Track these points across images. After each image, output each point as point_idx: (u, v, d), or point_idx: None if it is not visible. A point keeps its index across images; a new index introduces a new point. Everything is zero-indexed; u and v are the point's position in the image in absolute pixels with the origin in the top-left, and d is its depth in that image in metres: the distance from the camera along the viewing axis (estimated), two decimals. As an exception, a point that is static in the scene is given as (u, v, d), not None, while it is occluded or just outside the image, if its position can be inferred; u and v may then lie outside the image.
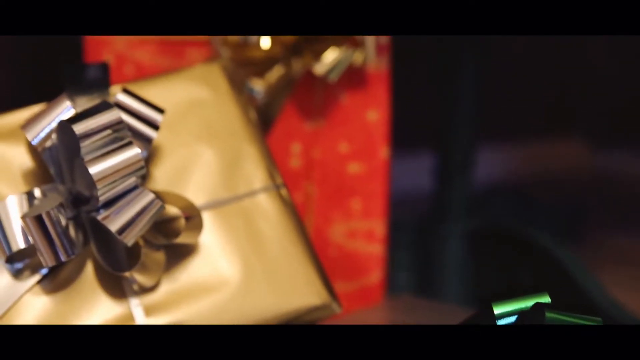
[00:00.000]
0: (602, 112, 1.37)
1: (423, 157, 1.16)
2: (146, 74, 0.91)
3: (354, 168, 0.93)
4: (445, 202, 1.07)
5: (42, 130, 0.70)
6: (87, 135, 0.67)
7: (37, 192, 0.71)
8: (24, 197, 0.70)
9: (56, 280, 0.71)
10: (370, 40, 0.89)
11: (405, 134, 1.02)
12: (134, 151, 0.67)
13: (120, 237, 0.67)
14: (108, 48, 0.91)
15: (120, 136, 0.68)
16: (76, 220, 0.70)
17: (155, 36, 0.91)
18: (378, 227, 0.93)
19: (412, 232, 1.07)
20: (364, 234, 0.93)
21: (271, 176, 0.76)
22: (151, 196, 0.68)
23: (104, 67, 0.75)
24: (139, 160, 0.67)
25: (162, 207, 0.68)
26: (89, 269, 0.71)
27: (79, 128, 0.67)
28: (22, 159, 0.72)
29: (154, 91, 0.76)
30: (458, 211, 1.07)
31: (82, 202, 0.70)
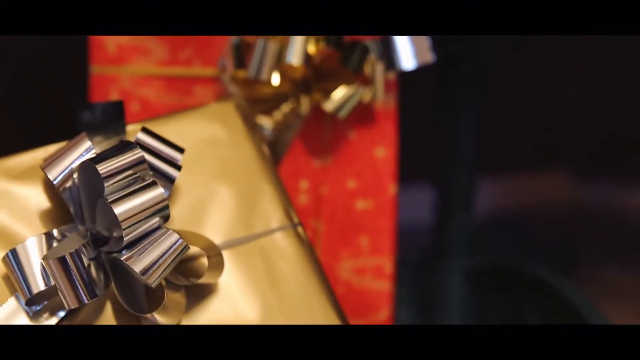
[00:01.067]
0: (590, 146, 1.38)
1: (424, 192, 1.16)
2: (152, 112, 0.91)
3: (362, 205, 0.93)
4: (447, 237, 1.07)
5: (63, 170, 0.69)
6: (111, 175, 0.67)
7: (55, 233, 0.70)
8: (44, 238, 0.69)
9: (75, 322, 0.70)
10: (379, 77, 0.89)
11: (408, 170, 1.02)
12: (158, 191, 0.67)
13: (144, 278, 0.66)
14: (113, 85, 0.91)
15: (143, 176, 0.68)
16: (97, 261, 0.69)
17: (161, 73, 0.91)
18: (386, 263, 0.93)
19: (415, 268, 1.07)
20: (372, 270, 0.93)
21: (288, 215, 0.76)
22: (175, 236, 0.67)
23: (119, 106, 0.74)
24: (163, 200, 0.67)
25: (186, 248, 0.67)
26: (108, 310, 0.70)
27: (102, 168, 0.66)
28: (38, 199, 0.72)
29: (168, 130, 0.76)
30: (459, 246, 1.08)
31: (102, 243, 0.69)
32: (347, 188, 0.92)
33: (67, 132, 0.80)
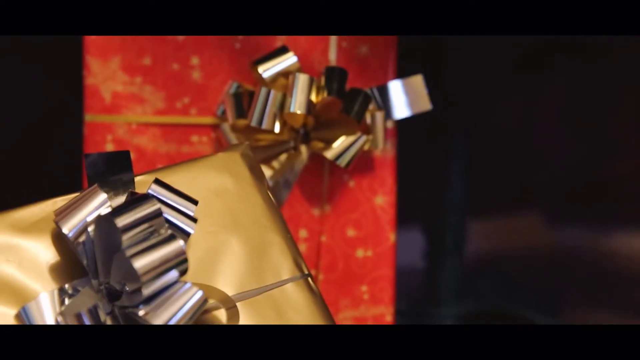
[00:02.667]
0: (565, 189, 1.39)
1: (420, 239, 1.16)
2: (148, 160, 0.90)
3: (362, 253, 0.92)
4: (439, 284, 1.07)
5: (78, 223, 0.67)
6: (128, 228, 0.65)
7: (67, 287, 0.68)
8: (56, 293, 0.67)
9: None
10: (379, 125, 0.88)
11: (405, 218, 1.02)
12: (177, 244, 0.66)
13: (163, 334, 0.65)
14: (109, 134, 0.90)
15: (158, 228, 0.67)
16: (112, 315, 0.68)
17: (157, 121, 0.90)
18: (387, 312, 0.92)
19: (411, 316, 1.07)
20: (373, 320, 0.92)
21: (298, 266, 0.75)
22: (194, 290, 0.66)
23: (126, 157, 0.73)
24: (182, 254, 0.66)
25: (205, 302, 0.66)
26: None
27: (119, 221, 0.65)
28: (47, 253, 0.70)
29: (174, 180, 0.74)
30: (451, 293, 1.07)
31: (116, 297, 0.68)
32: (347, 236, 0.92)
33: (64, 182, 0.78)
